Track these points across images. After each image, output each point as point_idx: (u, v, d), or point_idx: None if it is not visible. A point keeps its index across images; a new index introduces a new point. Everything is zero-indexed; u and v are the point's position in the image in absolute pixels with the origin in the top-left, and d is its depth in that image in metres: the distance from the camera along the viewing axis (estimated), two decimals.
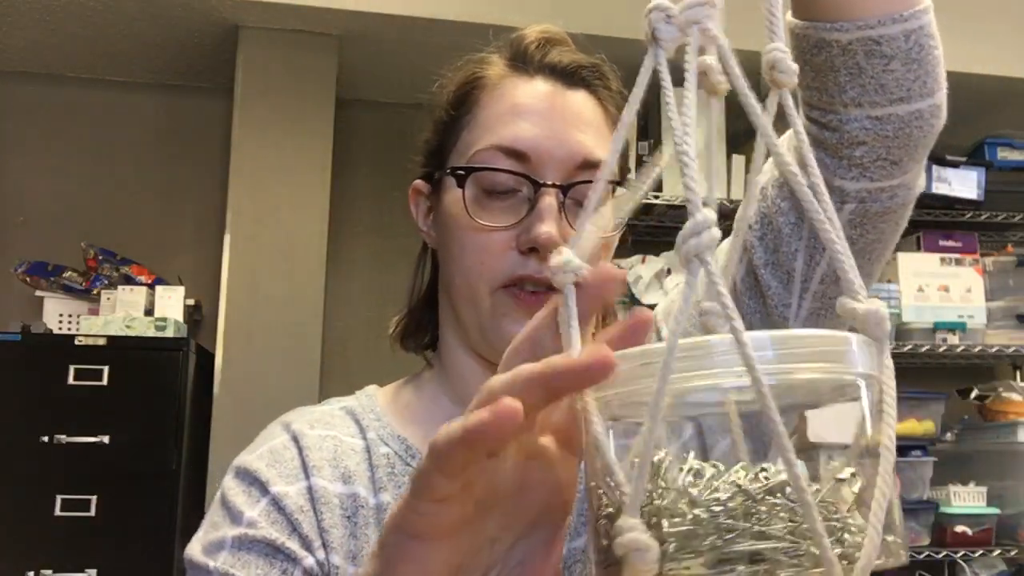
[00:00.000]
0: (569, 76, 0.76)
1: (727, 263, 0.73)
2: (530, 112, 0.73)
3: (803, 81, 0.66)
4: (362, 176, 3.09)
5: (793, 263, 0.69)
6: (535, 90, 0.75)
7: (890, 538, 0.36)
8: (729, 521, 0.34)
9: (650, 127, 2.91)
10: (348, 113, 2.93)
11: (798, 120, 0.42)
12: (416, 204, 0.82)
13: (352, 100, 3.01)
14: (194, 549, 0.72)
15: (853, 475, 0.38)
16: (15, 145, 3.01)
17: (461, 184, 0.73)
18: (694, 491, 0.35)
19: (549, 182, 0.72)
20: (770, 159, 0.71)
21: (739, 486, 0.35)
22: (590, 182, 0.73)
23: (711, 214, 0.36)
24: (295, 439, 0.76)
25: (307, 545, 0.70)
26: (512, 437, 0.37)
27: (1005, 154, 3.01)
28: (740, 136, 2.94)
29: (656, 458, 0.37)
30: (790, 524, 0.34)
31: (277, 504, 0.71)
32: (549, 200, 0.71)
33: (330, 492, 0.72)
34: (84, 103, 3.06)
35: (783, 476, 0.36)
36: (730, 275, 0.72)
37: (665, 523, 0.35)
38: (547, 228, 0.70)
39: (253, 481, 0.73)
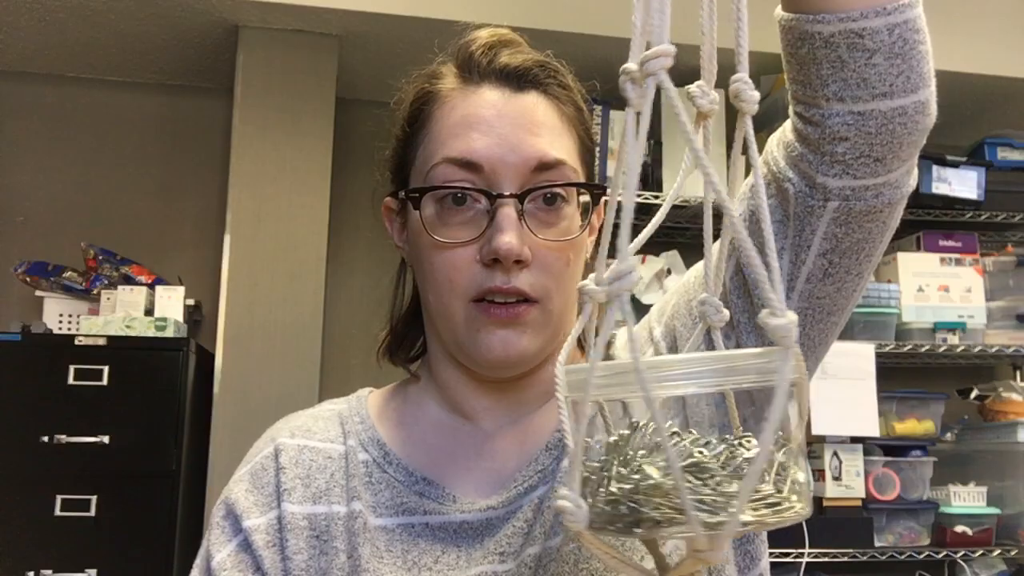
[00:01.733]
0: (518, 79, 0.76)
1: (717, 262, 0.74)
2: (480, 122, 0.74)
3: (789, 74, 0.66)
4: (362, 176, 3.09)
5: (779, 262, 0.68)
6: (483, 99, 0.75)
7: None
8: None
9: (652, 127, 2.91)
10: (348, 113, 2.93)
11: (754, 146, 0.47)
12: (389, 221, 0.84)
13: (352, 100, 3.01)
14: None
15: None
16: (15, 145, 3.00)
17: (417, 205, 0.75)
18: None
19: (506, 192, 0.72)
20: (760, 159, 0.71)
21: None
22: (547, 186, 0.73)
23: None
24: (276, 455, 0.79)
25: None
26: None
27: (1005, 154, 3.00)
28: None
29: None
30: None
31: (247, 542, 0.75)
32: (507, 211, 0.71)
33: (298, 516, 0.76)
34: (84, 103, 3.06)
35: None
36: (720, 274, 0.72)
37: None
38: (507, 239, 0.70)
39: (229, 514, 0.78)
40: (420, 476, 0.77)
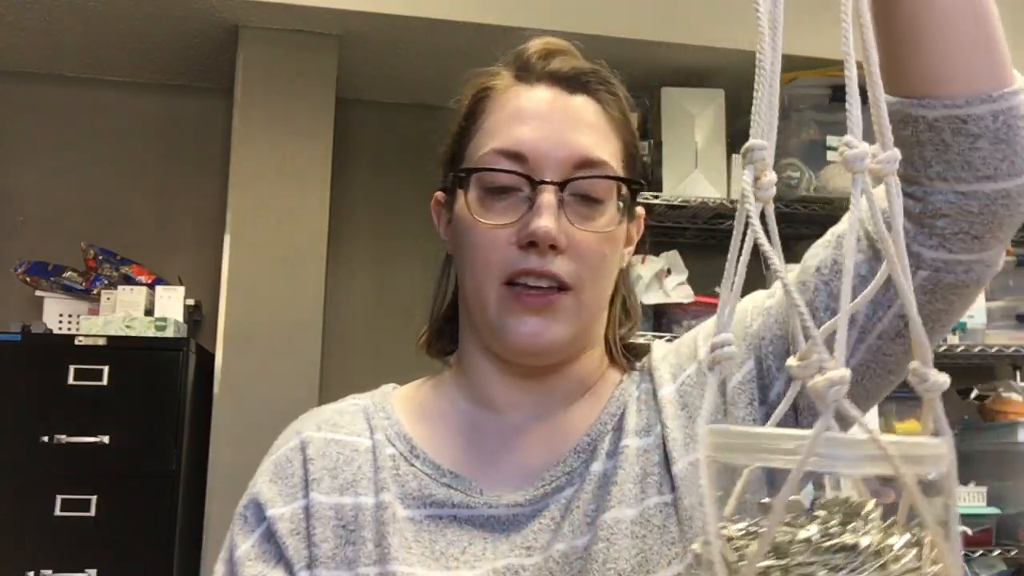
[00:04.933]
0: (570, 82, 0.79)
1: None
2: (530, 116, 0.77)
3: None
4: (362, 176, 3.09)
5: (856, 314, 0.69)
6: (536, 96, 0.78)
7: None
8: None
9: (649, 128, 2.92)
10: (348, 113, 2.93)
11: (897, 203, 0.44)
12: (438, 215, 0.86)
13: (352, 100, 3.01)
14: (217, 570, 0.79)
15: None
16: (15, 145, 3.00)
17: (462, 186, 0.77)
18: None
19: (548, 179, 0.74)
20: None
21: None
22: (589, 176, 0.76)
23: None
24: (302, 447, 0.80)
25: (289, 568, 0.75)
26: None
27: None
28: (741, 135, 2.94)
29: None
30: None
31: (269, 531, 0.77)
32: (547, 197, 0.74)
33: (325, 505, 0.77)
34: (84, 103, 3.06)
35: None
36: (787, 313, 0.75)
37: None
38: (544, 223, 0.72)
39: (252, 504, 0.79)
40: (447, 470, 0.78)
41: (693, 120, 2.82)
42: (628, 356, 0.85)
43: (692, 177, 2.82)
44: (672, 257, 2.84)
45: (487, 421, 0.81)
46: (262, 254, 2.64)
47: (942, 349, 2.78)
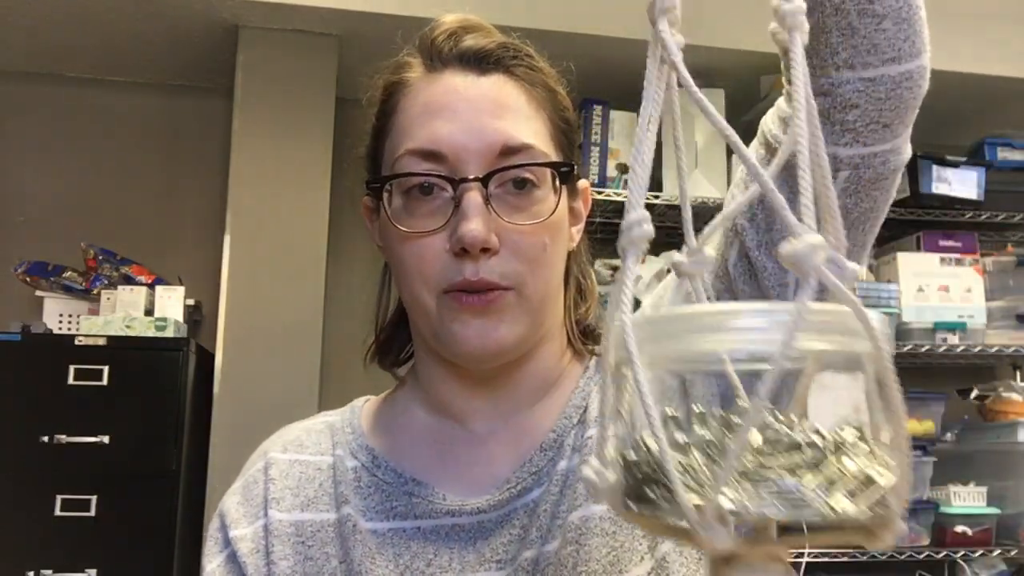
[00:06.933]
0: (481, 62, 0.73)
1: (720, 246, 0.72)
2: (443, 109, 0.71)
3: None
4: (362, 176, 3.09)
5: None
6: (446, 85, 0.73)
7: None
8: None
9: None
10: (348, 113, 2.92)
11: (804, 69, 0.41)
12: (370, 220, 0.81)
13: (352, 100, 3.00)
14: None
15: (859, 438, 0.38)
16: (15, 145, 3.00)
17: (379, 196, 0.74)
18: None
19: (470, 176, 0.70)
20: (755, 142, 0.71)
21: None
22: (510, 168, 0.70)
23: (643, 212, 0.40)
24: (266, 468, 0.80)
25: None
26: None
27: (1005, 154, 3.00)
28: (742, 136, 2.94)
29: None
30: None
31: (233, 554, 0.77)
32: (472, 196, 0.69)
33: (285, 523, 0.76)
34: (84, 103, 3.06)
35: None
36: (720, 259, 0.72)
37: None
38: (472, 226, 0.68)
39: (221, 526, 0.79)
40: (409, 477, 0.76)
41: (693, 120, 2.82)
42: (587, 341, 0.81)
43: (692, 177, 2.82)
44: (671, 258, 2.84)
45: (450, 431, 0.78)
46: (262, 254, 2.64)
47: (942, 349, 2.78)
